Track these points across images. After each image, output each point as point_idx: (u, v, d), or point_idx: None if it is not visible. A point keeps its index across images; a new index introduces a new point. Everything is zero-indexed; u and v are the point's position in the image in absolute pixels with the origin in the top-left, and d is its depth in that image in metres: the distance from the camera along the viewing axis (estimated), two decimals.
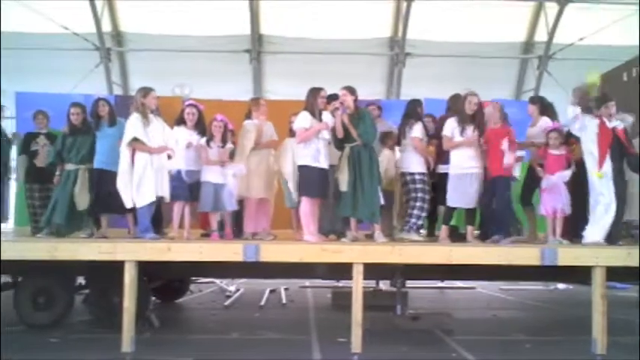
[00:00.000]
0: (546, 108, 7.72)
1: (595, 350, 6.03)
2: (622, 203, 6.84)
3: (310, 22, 14.14)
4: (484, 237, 7.29)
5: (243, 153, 7.32)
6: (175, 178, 6.96)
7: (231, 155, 7.23)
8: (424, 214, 7.34)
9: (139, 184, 6.72)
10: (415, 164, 7.34)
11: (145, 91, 6.94)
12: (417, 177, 7.30)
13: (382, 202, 6.96)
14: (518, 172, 7.47)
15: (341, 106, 6.82)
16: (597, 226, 6.77)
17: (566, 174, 6.98)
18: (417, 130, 7.37)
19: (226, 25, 14.19)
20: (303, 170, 6.80)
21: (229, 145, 7.22)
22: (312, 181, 6.75)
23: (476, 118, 7.11)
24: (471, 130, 7.06)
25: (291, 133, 7.64)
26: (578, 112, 6.93)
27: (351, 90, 6.95)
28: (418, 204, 7.25)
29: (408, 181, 7.40)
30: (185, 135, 7.06)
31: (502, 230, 7.00)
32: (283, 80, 14.36)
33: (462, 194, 7.07)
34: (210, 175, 7.04)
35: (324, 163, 6.79)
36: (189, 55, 14.13)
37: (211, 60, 14.22)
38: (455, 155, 7.11)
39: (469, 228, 7.22)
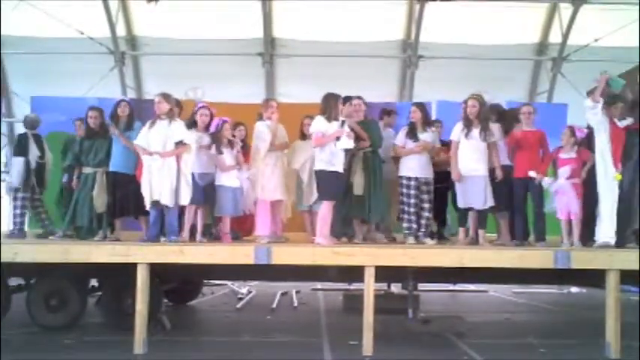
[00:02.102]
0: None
1: (609, 354, 6.01)
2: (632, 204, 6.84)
3: (323, 25, 14.10)
4: (518, 238, 7.33)
5: (259, 154, 7.29)
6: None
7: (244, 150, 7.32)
8: (414, 217, 7.30)
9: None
10: (403, 169, 7.39)
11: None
12: (403, 182, 7.33)
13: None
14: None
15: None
16: (607, 227, 6.77)
17: (565, 170, 6.94)
18: (397, 137, 7.56)
19: (239, 29, 14.19)
20: (319, 175, 6.79)
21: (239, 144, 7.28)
22: (330, 184, 6.75)
23: (480, 120, 7.11)
24: (477, 133, 7.07)
25: (303, 136, 7.66)
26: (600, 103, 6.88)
27: (364, 101, 7.59)
28: (406, 208, 7.30)
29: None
30: (196, 138, 7.01)
31: (542, 235, 7.12)
32: (296, 83, 14.34)
33: (468, 196, 7.09)
34: (227, 180, 7.06)
35: (339, 167, 6.80)
36: (203, 58, 14.14)
37: (224, 63, 14.22)
38: (460, 158, 7.13)
39: (480, 231, 7.20)
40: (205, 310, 9.06)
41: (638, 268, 6.04)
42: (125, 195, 7.11)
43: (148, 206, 6.65)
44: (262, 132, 7.28)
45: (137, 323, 6.00)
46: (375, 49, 14.45)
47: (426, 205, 7.34)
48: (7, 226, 8.54)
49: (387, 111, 8.25)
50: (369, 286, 6.03)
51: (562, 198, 6.97)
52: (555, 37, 14.60)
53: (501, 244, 7.47)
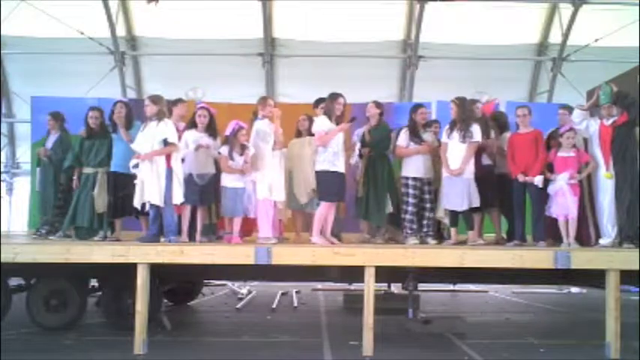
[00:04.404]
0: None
1: (609, 354, 6.00)
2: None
3: (323, 25, 14.12)
4: (512, 238, 7.34)
5: (263, 154, 7.19)
6: (186, 182, 6.91)
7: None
8: (415, 217, 7.33)
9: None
10: (406, 169, 7.45)
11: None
12: (408, 182, 7.38)
13: (391, 209, 7.41)
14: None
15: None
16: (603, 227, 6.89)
17: (564, 176, 6.95)
18: (399, 138, 7.55)
19: (239, 29, 14.19)
20: (321, 175, 6.79)
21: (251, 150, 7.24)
22: (331, 185, 6.76)
23: (460, 122, 7.14)
24: (457, 134, 7.11)
25: (299, 135, 7.65)
26: (587, 115, 7.13)
27: (377, 104, 7.67)
28: (409, 208, 7.33)
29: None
30: (195, 137, 7.00)
31: (543, 235, 7.12)
32: (296, 83, 14.35)
33: (452, 197, 7.11)
34: (230, 181, 7.03)
35: (340, 167, 6.80)
36: (203, 58, 14.16)
37: (224, 63, 14.24)
38: (448, 159, 7.14)
39: (470, 232, 7.22)
40: (205, 310, 9.06)
41: (638, 268, 6.04)
42: (126, 195, 7.10)
43: (137, 206, 6.64)
44: (264, 132, 7.20)
45: (137, 323, 6.00)
46: (376, 49, 14.46)
47: (428, 205, 7.34)
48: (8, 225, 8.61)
49: None
50: (369, 286, 6.02)
51: (561, 199, 6.96)
52: (555, 37, 14.61)
53: (495, 242, 7.50)
